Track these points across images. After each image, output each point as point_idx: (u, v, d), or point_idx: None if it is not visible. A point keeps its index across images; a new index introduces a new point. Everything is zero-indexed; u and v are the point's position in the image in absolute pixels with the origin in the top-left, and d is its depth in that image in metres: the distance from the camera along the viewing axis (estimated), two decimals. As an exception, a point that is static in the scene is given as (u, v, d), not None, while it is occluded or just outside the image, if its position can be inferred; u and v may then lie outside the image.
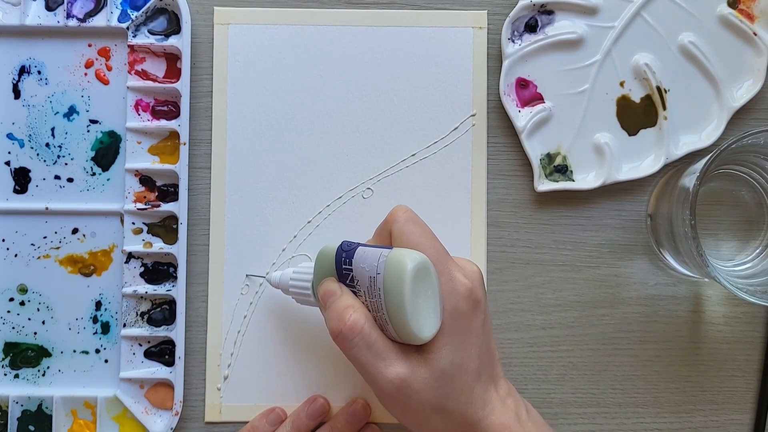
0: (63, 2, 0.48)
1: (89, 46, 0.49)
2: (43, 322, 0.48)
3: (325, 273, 0.40)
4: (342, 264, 0.39)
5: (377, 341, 0.38)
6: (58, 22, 0.48)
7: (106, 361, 0.48)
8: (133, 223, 0.48)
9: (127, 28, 0.48)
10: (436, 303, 0.38)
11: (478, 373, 0.39)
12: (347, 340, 0.37)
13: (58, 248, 0.48)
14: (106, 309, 0.48)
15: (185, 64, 0.48)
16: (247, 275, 0.47)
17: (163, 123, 0.48)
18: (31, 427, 0.47)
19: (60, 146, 0.48)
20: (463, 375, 0.38)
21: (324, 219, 0.48)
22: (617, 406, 0.48)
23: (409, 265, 0.36)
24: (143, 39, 0.48)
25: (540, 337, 0.48)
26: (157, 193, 0.48)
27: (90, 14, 0.48)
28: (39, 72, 0.49)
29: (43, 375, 0.48)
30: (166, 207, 0.48)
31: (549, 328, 0.48)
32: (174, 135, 0.48)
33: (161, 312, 0.48)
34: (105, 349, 0.48)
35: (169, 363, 0.47)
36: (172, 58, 0.49)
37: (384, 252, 0.37)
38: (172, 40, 0.48)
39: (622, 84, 0.48)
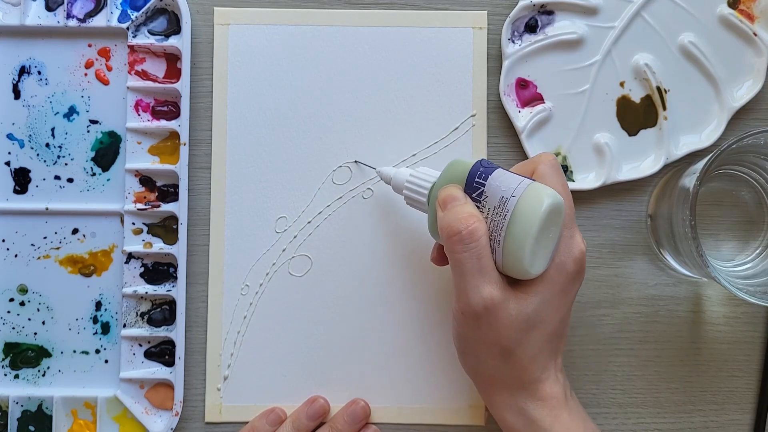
0: (63, 2, 0.48)
1: (89, 46, 0.49)
2: (43, 323, 0.48)
3: (450, 181, 0.41)
4: (476, 177, 0.39)
5: (487, 257, 0.38)
6: (58, 22, 0.48)
7: (106, 361, 0.48)
8: (133, 224, 0.48)
9: (127, 29, 0.48)
10: (549, 249, 0.39)
11: (551, 337, 0.40)
12: (463, 243, 0.38)
13: (58, 248, 0.48)
14: (106, 309, 0.48)
15: (185, 64, 0.48)
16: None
17: (163, 123, 0.48)
18: (31, 428, 0.47)
19: (60, 146, 0.48)
20: (541, 331, 0.39)
21: (324, 219, 0.48)
22: (617, 406, 0.48)
23: (548, 200, 0.37)
24: (143, 39, 0.48)
25: (540, 337, 0.48)
26: (157, 194, 0.48)
27: (90, 14, 0.48)
28: (39, 72, 0.49)
29: (43, 375, 0.48)
30: (166, 207, 0.48)
31: (549, 328, 0.48)
32: (174, 135, 0.48)
33: (161, 312, 0.48)
34: (105, 349, 0.48)
35: (169, 363, 0.47)
36: (172, 59, 0.49)
37: (527, 180, 0.39)
38: (172, 41, 0.48)
39: (622, 84, 0.48)
